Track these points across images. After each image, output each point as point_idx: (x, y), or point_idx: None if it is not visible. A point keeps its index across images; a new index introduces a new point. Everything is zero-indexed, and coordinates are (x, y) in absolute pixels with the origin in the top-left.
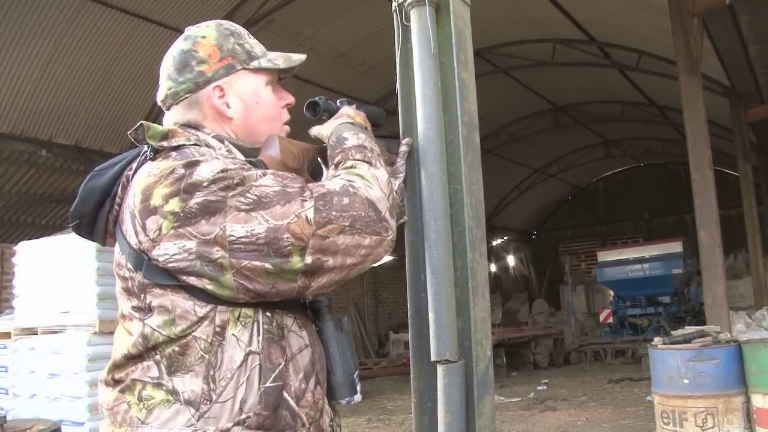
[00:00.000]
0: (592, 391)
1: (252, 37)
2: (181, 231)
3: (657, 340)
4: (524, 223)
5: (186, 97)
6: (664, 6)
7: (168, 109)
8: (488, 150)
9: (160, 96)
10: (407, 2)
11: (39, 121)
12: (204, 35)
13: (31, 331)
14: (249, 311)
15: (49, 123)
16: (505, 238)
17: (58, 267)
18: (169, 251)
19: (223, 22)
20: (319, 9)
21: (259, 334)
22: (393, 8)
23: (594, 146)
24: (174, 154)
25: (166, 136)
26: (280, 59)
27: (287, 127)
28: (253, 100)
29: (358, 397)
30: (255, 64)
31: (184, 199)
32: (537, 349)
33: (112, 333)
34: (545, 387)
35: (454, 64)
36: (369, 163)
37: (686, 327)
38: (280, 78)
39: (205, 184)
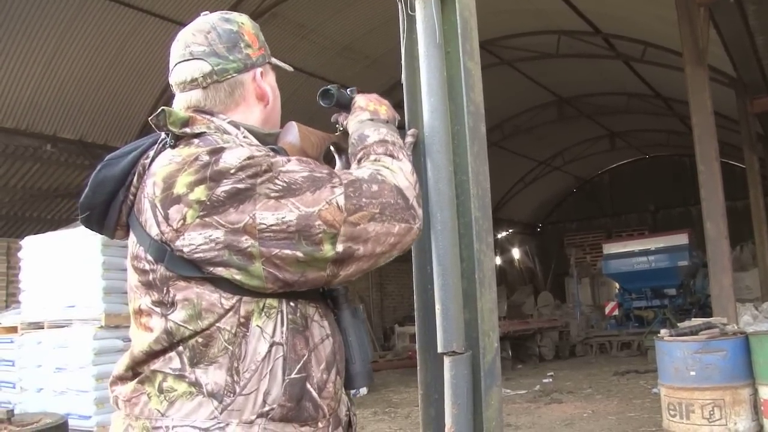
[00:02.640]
0: (598, 384)
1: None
2: (208, 220)
3: (664, 332)
4: (529, 216)
5: (233, 77)
6: None
7: (190, 90)
8: (493, 142)
9: (188, 74)
10: None
11: (44, 116)
12: (242, 22)
13: (38, 326)
14: (274, 302)
15: (54, 118)
16: (510, 230)
17: (64, 261)
18: (194, 241)
19: (241, 13)
20: (323, 2)
21: (283, 325)
22: None
23: (599, 138)
24: (196, 140)
25: (187, 122)
26: (285, 63)
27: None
28: (276, 91)
29: (363, 390)
30: (274, 60)
31: (210, 187)
32: (542, 341)
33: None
34: (551, 380)
35: (460, 54)
36: (392, 155)
37: (693, 319)
38: None
39: (232, 171)
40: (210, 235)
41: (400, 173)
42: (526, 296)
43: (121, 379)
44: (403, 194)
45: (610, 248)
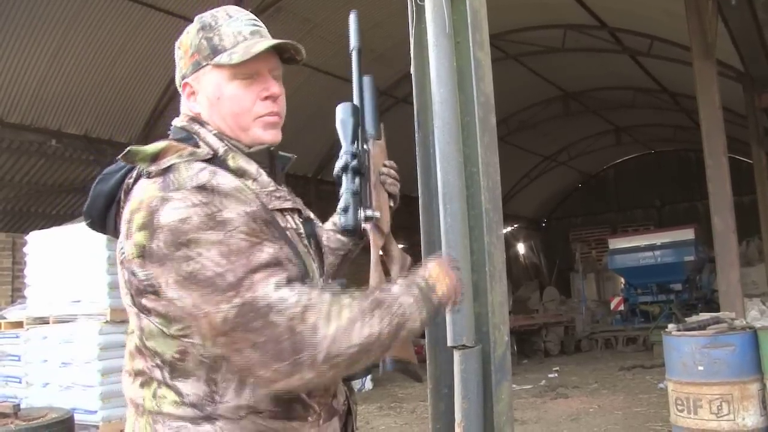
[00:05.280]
0: (604, 379)
1: (235, 24)
2: (142, 261)
3: (671, 327)
4: (534, 211)
5: (185, 82)
6: None
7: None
8: (498, 137)
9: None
10: None
11: (48, 111)
12: (188, 30)
13: (43, 321)
14: None
15: (59, 113)
16: (515, 226)
17: (69, 256)
18: (137, 273)
19: (209, 13)
20: None
21: None
22: None
23: (604, 133)
24: (160, 179)
25: (157, 155)
26: (237, 53)
27: (270, 119)
28: (214, 97)
29: (368, 385)
30: (216, 60)
31: (148, 236)
32: (548, 336)
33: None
34: (556, 374)
35: (470, 44)
36: (370, 311)
37: (700, 314)
38: (288, 62)
39: (160, 233)
40: (146, 273)
41: (342, 326)
42: (531, 291)
43: (128, 373)
44: (300, 341)
45: (616, 243)
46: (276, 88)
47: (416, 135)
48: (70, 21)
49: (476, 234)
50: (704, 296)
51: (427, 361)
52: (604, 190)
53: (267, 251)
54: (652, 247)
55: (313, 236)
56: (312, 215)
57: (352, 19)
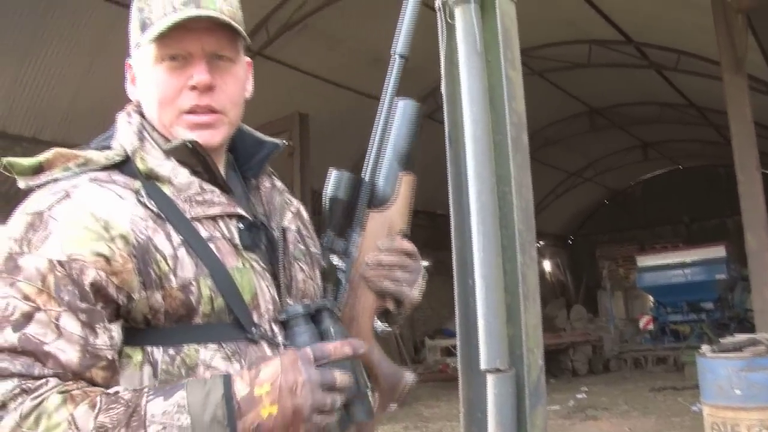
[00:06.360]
0: (634, 400)
1: None
2: None
3: (705, 348)
4: (560, 228)
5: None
6: (704, 3)
7: None
8: None
9: None
10: (451, 0)
11: (79, 129)
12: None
13: None
14: (131, 351)
15: (89, 130)
16: (541, 243)
17: None
18: None
19: None
20: (353, 12)
21: (156, 378)
22: (437, 6)
23: (631, 149)
24: (35, 196)
25: (40, 168)
26: (155, 28)
27: (196, 118)
28: (139, 80)
29: (393, 405)
30: (142, 37)
31: None
32: (575, 356)
33: None
34: (585, 395)
35: (501, 62)
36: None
37: (735, 334)
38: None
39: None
40: None
41: None
42: (558, 309)
43: None
44: None
45: (645, 261)
46: (202, 75)
47: (447, 154)
48: (100, 39)
49: (509, 254)
50: (737, 315)
51: (460, 385)
52: (631, 207)
53: (31, 330)
54: (682, 265)
55: (271, 245)
56: (288, 221)
57: (410, 9)
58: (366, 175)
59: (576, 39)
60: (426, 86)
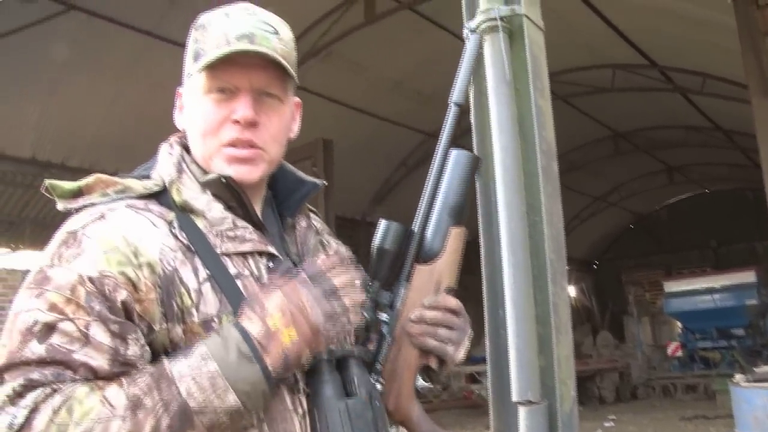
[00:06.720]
0: (664, 429)
1: (226, 25)
2: None
3: (739, 377)
4: (585, 253)
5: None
6: (730, 26)
7: None
8: None
9: None
10: (480, 28)
11: (105, 155)
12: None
13: None
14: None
15: (116, 157)
16: (566, 268)
17: None
18: None
19: (212, 11)
20: (377, 39)
21: None
22: (464, 35)
23: (656, 173)
24: (73, 218)
25: (80, 192)
26: (210, 56)
27: (236, 152)
28: (187, 110)
29: None
30: (194, 66)
31: None
32: (602, 383)
33: None
34: (613, 423)
35: (531, 91)
36: (122, 418)
37: None
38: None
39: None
40: None
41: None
42: (584, 336)
43: None
44: None
45: (672, 286)
46: (247, 110)
47: (477, 183)
48: (128, 67)
49: (540, 284)
50: None
51: (491, 416)
52: (657, 231)
53: (56, 340)
54: (710, 291)
55: None
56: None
57: (467, 58)
58: (416, 226)
59: (599, 63)
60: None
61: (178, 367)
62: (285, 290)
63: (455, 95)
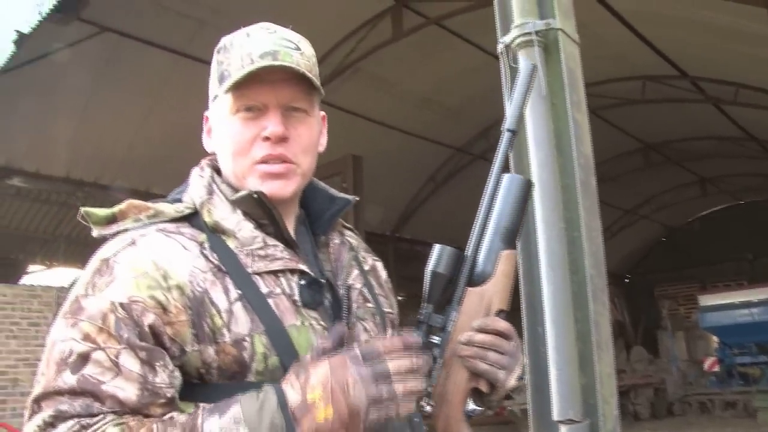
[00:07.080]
0: None
1: (249, 45)
2: None
3: None
4: (616, 266)
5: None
6: (762, 33)
7: None
8: None
9: None
10: (514, 43)
11: (136, 174)
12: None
13: None
14: (183, 406)
15: (147, 175)
16: (607, 284)
17: None
18: None
19: (233, 33)
20: (404, 55)
21: None
22: (499, 50)
23: (688, 185)
24: (106, 244)
25: (114, 218)
26: (235, 75)
27: (269, 168)
28: (215, 132)
29: None
30: (219, 88)
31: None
32: (637, 399)
33: None
34: None
35: (567, 105)
36: None
37: None
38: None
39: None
40: None
41: None
42: (618, 351)
43: None
44: None
45: (707, 300)
46: (276, 126)
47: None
48: (159, 86)
49: (580, 301)
50: None
51: None
52: (691, 244)
53: (89, 371)
54: (748, 304)
55: (337, 303)
56: (354, 280)
57: (520, 84)
58: (468, 251)
59: (629, 75)
60: (473, 126)
61: (209, 425)
62: (333, 364)
63: (508, 122)
